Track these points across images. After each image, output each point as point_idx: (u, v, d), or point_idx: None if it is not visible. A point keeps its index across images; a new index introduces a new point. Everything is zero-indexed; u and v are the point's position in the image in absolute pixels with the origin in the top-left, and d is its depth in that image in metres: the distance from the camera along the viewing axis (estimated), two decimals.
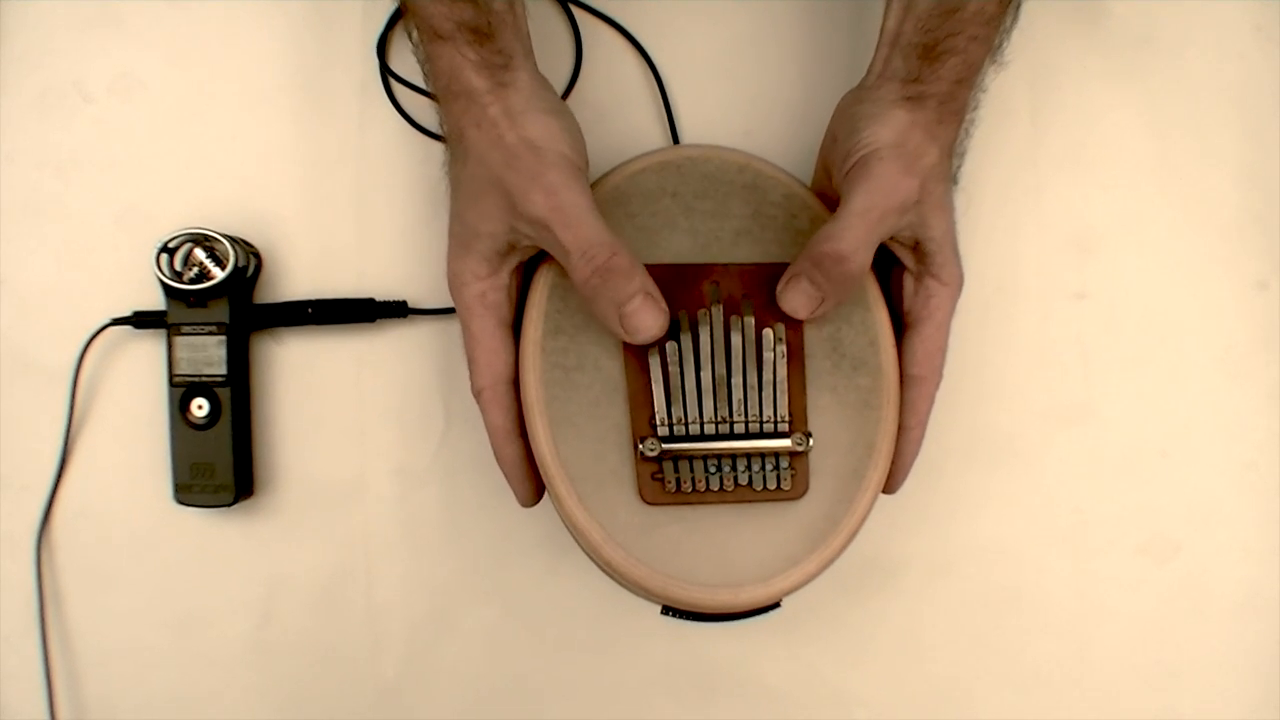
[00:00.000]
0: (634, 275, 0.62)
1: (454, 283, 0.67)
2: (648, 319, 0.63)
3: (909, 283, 0.69)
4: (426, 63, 0.66)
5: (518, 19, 0.65)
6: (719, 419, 0.65)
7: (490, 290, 0.66)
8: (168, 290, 0.74)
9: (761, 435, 0.65)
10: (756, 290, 0.67)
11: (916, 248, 0.68)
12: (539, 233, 0.63)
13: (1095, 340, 0.82)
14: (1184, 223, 0.83)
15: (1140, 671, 0.82)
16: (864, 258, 0.64)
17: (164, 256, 0.74)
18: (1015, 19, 0.67)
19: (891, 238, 0.67)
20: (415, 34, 0.66)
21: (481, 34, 0.63)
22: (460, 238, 0.66)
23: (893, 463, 0.68)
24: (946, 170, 0.68)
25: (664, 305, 0.63)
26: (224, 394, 0.75)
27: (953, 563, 0.81)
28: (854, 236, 0.63)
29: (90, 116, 0.79)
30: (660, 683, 0.80)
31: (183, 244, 0.74)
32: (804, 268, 0.65)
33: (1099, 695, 0.82)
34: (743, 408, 0.65)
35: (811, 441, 0.65)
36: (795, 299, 0.65)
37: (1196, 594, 0.82)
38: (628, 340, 0.64)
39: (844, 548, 0.65)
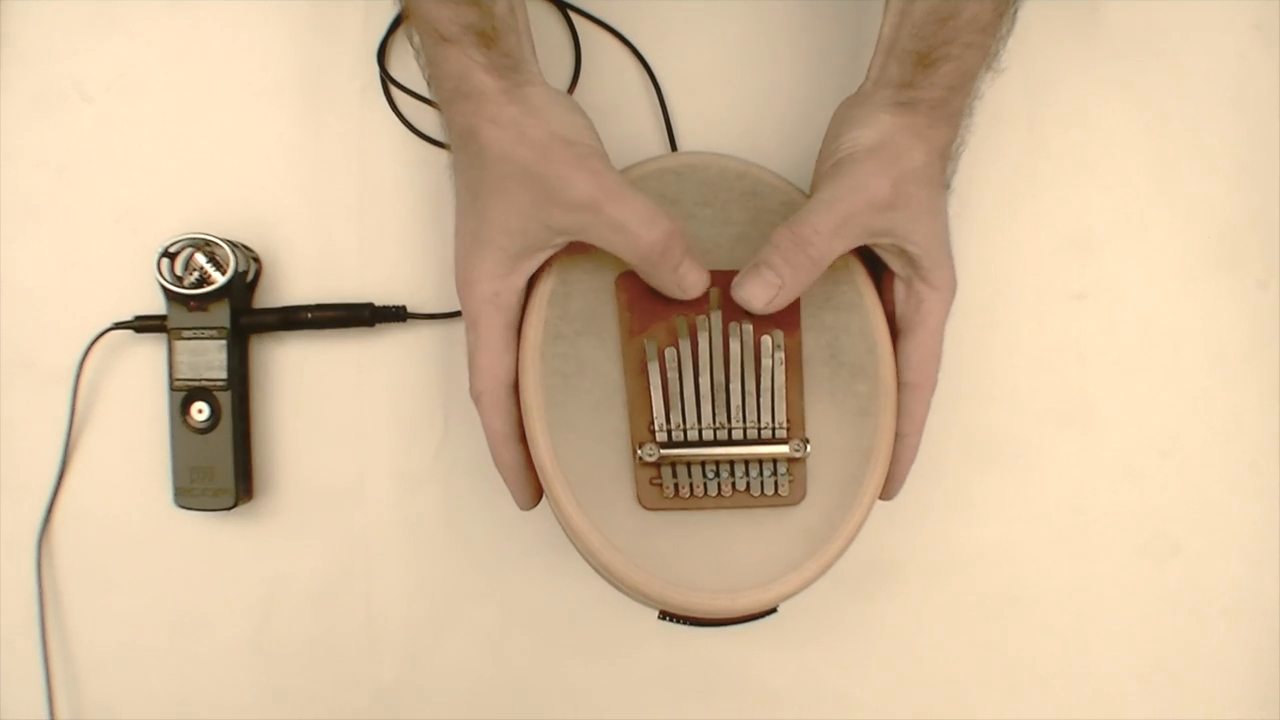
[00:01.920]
0: (684, 239, 0.64)
1: (465, 282, 0.66)
2: (697, 275, 0.66)
3: (900, 289, 0.69)
4: (430, 66, 0.66)
5: (520, 22, 0.65)
6: (717, 425, 0.65)
7: (505, 291, 0.66)
8: (168, 294, 0.74)
9: (760, 441, 0.65)
10: None
11: (902, 254, 0.68)
12: (583, 217, 0.63)
13: (1094, 341, 0.82)
14: (1183, 223, 0.83)
15: (1140, 671, 0.82)
16: (826, 246, 0.64)
17: (165, 261, 0.74)
18: (1011, 27, 0.67)
19: (875, 244, 0.67)
20: (417, 38, 0.66)
21: (487, 37, 0.62)
22: (477, 237, 0.66)
23: (890, 469, 0.68)
24: (935, 174, 0.68)
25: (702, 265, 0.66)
26: (224, 398, 0.75)
27: (951, 564, 0.81)
28: (816, 221, 0.64)
29: (90, 117, 0.79)
30: (657, 684, 0.80)
31: (183, 249, 0.75)
32: (763, 255, 0.65)
33: (1099, 696, 0.82)
34: (741, 414, 0.65)
35: (809, 447, 0.65)
36: (750, 287, 0.65)
37: (1196, 594, 0.82)
38: (681, 296, 0.66)
39: (841, 553, 0.65)
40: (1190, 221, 0.83)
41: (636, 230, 0.62)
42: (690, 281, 0.65)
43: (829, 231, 0.64)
